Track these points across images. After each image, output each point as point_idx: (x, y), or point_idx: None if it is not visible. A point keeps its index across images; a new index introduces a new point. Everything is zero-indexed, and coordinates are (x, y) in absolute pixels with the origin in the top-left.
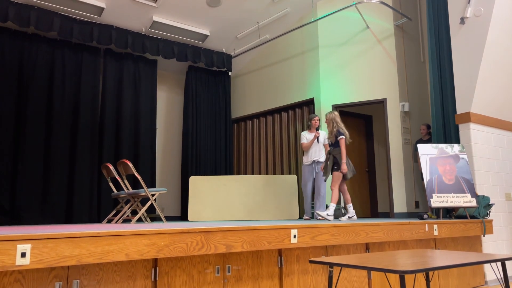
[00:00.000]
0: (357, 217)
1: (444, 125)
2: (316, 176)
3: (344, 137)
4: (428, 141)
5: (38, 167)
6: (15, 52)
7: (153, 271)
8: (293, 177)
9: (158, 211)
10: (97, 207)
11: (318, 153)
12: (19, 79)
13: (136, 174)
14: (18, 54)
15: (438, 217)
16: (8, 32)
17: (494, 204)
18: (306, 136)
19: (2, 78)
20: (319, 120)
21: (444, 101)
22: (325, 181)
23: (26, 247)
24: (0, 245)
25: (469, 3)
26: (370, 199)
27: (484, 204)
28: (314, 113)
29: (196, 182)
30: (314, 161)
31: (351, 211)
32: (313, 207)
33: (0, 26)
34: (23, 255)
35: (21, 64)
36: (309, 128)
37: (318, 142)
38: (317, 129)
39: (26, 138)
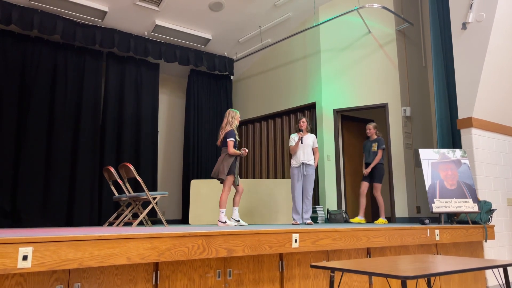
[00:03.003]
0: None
1: (447, 130)
2: (304, 179)
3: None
4: (375, 141)
5: (39, 170)
6: (18, 55)
7: (154, 274)
8: None
9: (159, 215)
10: (98, 210)
11: (307, 156)
12: (22, 82)
13: (138, 178)
14: (21, 57)
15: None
16: (12, 35)
17: (496, 209)
18: (294, 139)
19: (5, 81)
20: (306, 122)
21: (446, 106)
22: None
23: (28, 250)
24: (2, 248)
25: (471, 8)
26: (371, 203)
27: (486, 210)
28: (315, 117)
29: (197, 186)
30: (302, 163)
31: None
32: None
33: (3, 29)
34: (24, 258)
35: (24, 67)
36: (298, 131)
37: (302, 143)
38: (300, 131)
39: (27, 141)
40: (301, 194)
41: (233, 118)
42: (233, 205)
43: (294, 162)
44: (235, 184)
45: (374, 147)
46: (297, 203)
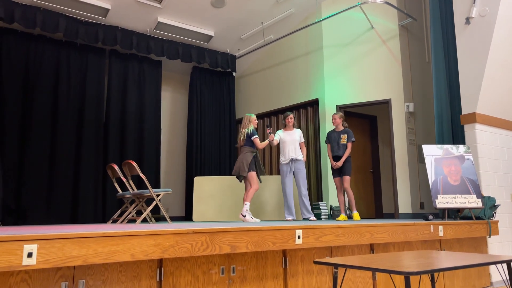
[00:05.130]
0: (362, 218)
1: (447, 126)
2: (296, 176)
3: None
4: (344, 132)
5: (43, 168)
6: (21, 53)
7: (158, 271)
8: None
9: (163, 212)
10: (102, 207)
11: (295, 151)
12: (25, 80)
13: (141, 175)
14: (24, 55)
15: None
16: (14, 33)
17: (499, 205)
18: (279, 135)
19: (8, 79)
20: (293, 118)
21: (449, 102)
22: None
23: (32, 247)
24: (7, 245)
25: (474, 3)
26: (374, 199)
27: (490, 205)
28: (318, 114)
29: (200, 183)
30: (292, 159)
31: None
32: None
33: (6, 27)
34: (29, 255)
35: (27, 65)
36: (284, 126)
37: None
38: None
39: (31, 138)
40: (292, 190)
41: (249, 121)
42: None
43: (283, 159)
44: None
45: (343, 139)
46: (289, 199)
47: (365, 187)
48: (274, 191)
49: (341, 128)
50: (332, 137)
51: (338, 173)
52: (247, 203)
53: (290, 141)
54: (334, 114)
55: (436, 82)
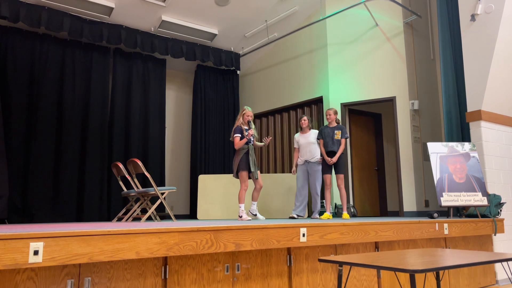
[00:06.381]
0: (366, 216)
1: (456, 123)
2: (310, 176)
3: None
4: (338, 128)
5: (49, 166)
6: (26, 52)
7: (163, 269)
8: None
9: (168, 210)
10: (107, 205)
11: (309, 153)
12: (30, 79)
13: (146, 173)
14: (29, 54)
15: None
16: (20, 32)
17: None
18: (295, 139)
19: (14, 78)
20: (307, 120)
21: (455, 99)
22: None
23: (38, 245)
24: (14, 243)
25: (479, 0)
26: (379, 197)
27: (495, 203)
28: (322, 112)
29: (205, 181)
30: (306, 161)
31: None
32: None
33: (11, 26)
34: (35, 253)
35: (32, 64)
36: (301, 129)
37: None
38: (301, 129)
39: (37, 137)
40: (304, 189)
41: (239, 115)
42: (252, 200)
43: (299, 160)
44: (254, 179)
45: (338, 134)
46: (297, 196)
47: (370, 185)
48: (280, 189)
49: (335, 124)
50: (326, 132)
51: (330, 170)
52: (241, 205)
53: (305, 143)
54: (329, 109)
55: (444, 80)
